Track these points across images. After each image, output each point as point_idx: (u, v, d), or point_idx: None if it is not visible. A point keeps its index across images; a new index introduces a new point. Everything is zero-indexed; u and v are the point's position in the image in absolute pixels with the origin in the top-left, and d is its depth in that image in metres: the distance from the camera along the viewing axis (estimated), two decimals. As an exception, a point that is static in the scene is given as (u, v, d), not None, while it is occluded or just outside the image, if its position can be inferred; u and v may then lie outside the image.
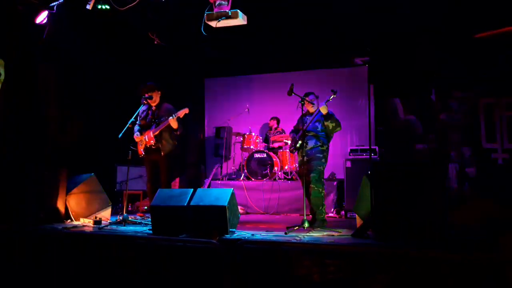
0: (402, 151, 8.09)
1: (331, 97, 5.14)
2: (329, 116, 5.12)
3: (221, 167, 8.68)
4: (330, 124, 5.13)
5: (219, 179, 8.23)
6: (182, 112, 5.46)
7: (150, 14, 7.08)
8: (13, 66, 5.17)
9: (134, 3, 5.74)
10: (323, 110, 5.10)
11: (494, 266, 3.02)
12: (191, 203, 4.21)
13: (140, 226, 4.92)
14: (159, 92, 5.75)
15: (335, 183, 7.11)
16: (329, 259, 3.33)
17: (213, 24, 5.18)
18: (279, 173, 7.55)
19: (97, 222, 4.94)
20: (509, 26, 6.38)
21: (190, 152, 9.76)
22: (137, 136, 5.68)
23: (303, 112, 5.25)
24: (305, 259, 3.40)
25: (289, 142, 7.53)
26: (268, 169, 7.52)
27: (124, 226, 4.88)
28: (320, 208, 5.09)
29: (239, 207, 5.22)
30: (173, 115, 5.41)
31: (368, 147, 6.64)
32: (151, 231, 4.37)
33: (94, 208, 5.51)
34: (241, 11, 5.13)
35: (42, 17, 5.85)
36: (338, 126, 5.18)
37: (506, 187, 6.76)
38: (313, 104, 5.31)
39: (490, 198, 6.88)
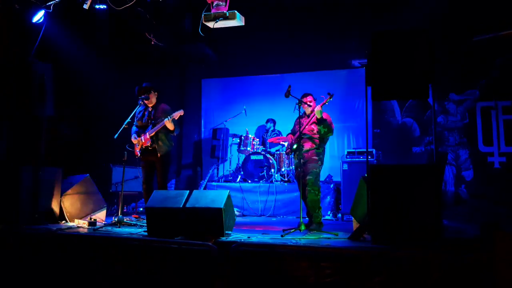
0: (399, 153, 8.09)
1: (328, 100, 5.12)
2: (322, 120, 5.11)
3: (218, 169, 8.64)
4: (322, 129, 5.13)
5: (215, 181, 8.19)
6: (177, 114, 5.46)
7: (147, 14, 7.06)
8: (8, 65, 5.13)
9: (131, 3, 5.72)
10: (317, 114, 5.09)
11: (488, 265, 3.02)
12: (187, 205, 4.19)
13: (135, 227, 4.89)
14: (156, 93, 5.74)
15: (332, 185, 7.09)
16: (326, 262, 3.31)
17: (211, 24, 5.16)
18: (276, 175, 7.53)
19: (92, 223, 4.90)
20: (507, 30, 6.40)
21: (186, 154, 9.73)
22: (134, 138, 5.64)
23: (300, 114, 5.23)
24: (302, 262, 3.38)
25: (286, 144, 7.53)
26: (265, 171, 7.50)
27: (119, 227, 4.85)
28: (317, 210, 5.07)
29: (235, 209, 5.19)
30: (168, 117, 5.41)
31: (365, 150, 6.63)
32: (146, 233, 4.33)
33: (89, 209, 5.47)
34: (238, 12, 5.12)
35: (38, 16, 5.81)
36: (330, 132, 5.17)
37: (503, 190, 6.78)
38: (309, 106, 5.30)
39: (485, 200, 6.90)
